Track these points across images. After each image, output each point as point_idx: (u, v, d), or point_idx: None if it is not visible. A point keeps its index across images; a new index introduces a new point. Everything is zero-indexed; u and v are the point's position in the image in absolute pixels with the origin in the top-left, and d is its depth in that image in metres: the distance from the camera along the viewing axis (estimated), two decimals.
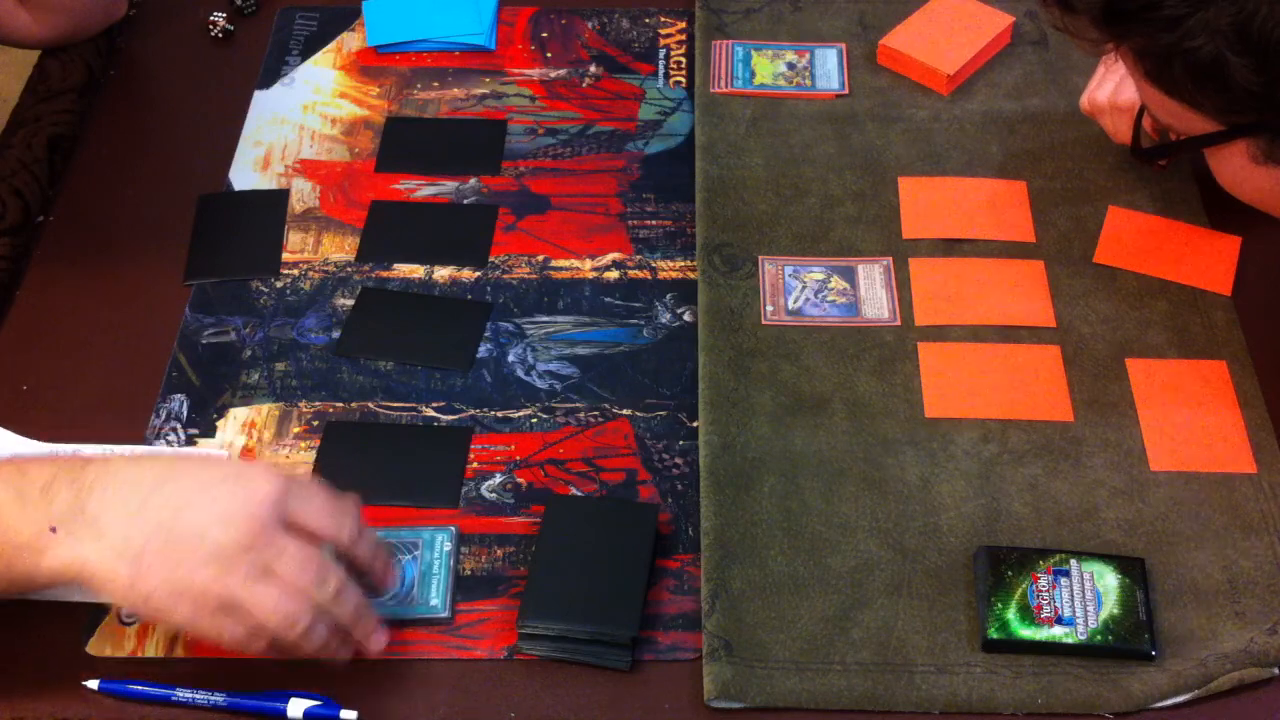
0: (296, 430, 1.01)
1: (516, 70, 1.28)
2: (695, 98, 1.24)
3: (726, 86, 1.25)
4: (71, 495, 0.76)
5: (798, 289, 1.08)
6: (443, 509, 0.96)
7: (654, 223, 1.15)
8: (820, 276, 1.09)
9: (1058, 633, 0.87)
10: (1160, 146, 1.01)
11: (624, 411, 1.02)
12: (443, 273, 1.11)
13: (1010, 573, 0.90)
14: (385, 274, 1.11)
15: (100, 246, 1.14)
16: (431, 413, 1.02)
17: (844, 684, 0.86)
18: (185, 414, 1.02)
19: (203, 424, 1.01)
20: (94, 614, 0.90)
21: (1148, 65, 0.85)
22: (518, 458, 0.99)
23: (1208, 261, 1.09)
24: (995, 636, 0.87)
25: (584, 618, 0.88)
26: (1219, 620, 0.89)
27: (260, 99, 1.25)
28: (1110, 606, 0.88)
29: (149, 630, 0.90)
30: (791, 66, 1.26)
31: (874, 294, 1.08)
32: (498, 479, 0.98)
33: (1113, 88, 1.11)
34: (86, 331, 1.08)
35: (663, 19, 1.33)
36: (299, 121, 1.23)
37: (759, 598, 0.90)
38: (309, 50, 1.30)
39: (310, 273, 1.11)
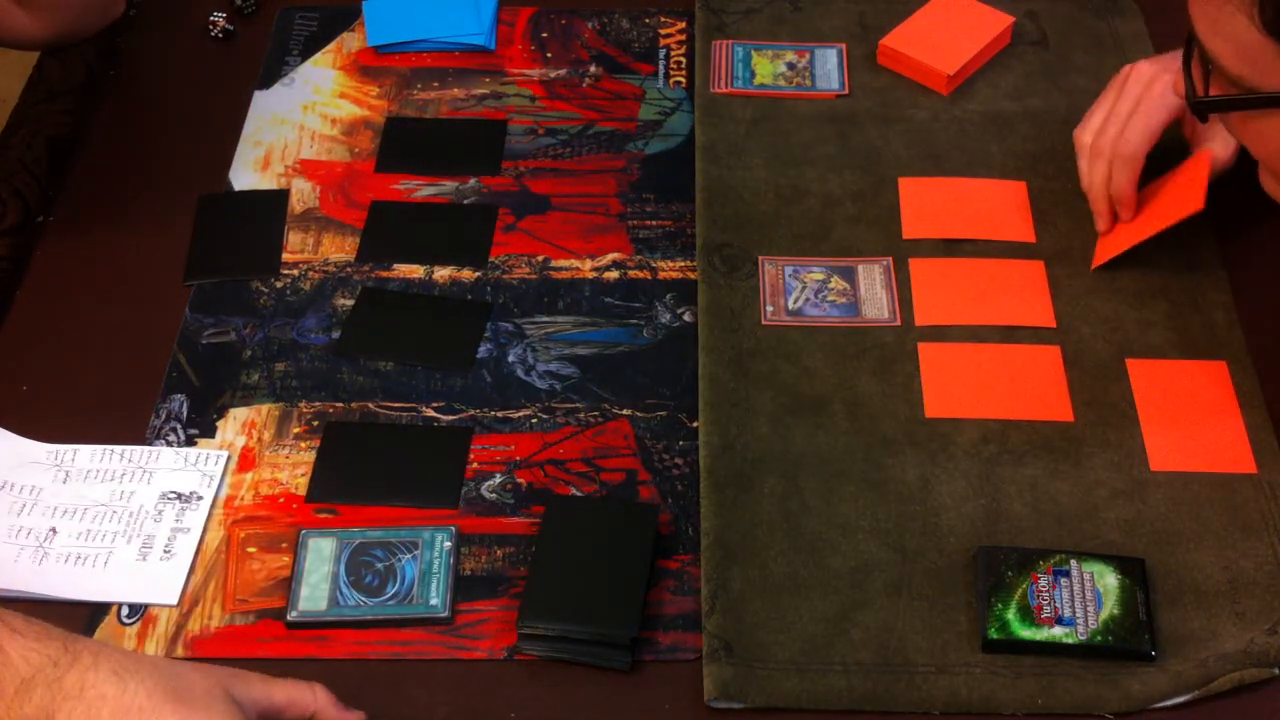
0: (296, 430, 1.01)
1: (516, 70, 1.28)
2: (695, 98, 1.24)
3: (726, 86, 1.25)
4: (46, 700, 0.73)
5: (798, 289, 1.08)
6: (443, 509, 0.96)
7: (654, 223, 1.15)
8: (820, 277, 1.09)
9: (1058, 633, 0.87)
10: (1228, 99, 0.87)
11: (624, 412, 1.02)
12: (443, 273, 1.11)
13: (1010, 573, 0.90)
14: (385, 274, 1.11)
15: (100, 246, 1.14)
16: (431, 413, 1.02)
17: (844, 684, 0.86)
18: (185, 414, 1.02)
19: (203, 424, 1.01)
20: (94, 613, 0.90)
21: (1269, 12, 0.77)
22: (518, 458, 0.99)
23: (1179, 192, 1.05)
24: (995, 637, 0.87)
25: (584, 618, 0.88)
26: (1219, 620, 0.89)
27: (260, 99, 1.25)
28: (1110, 607, 0.88)
29: (149, 630, 0.90)
30: (791, 66, 1.26)
31: (874, 294, 1.08)
32: (498, 479, 0.98)
33: (1116, 133, 1.06)
34: (86, 331, 1.08)
35: (663, 19, 1.33)
36: (299, 121, 1.23)
37: (759, 598, 0.90)
38: (309, 50, 1.30)
39: (310, 273, 1.11)
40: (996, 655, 0.87)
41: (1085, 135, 1.08)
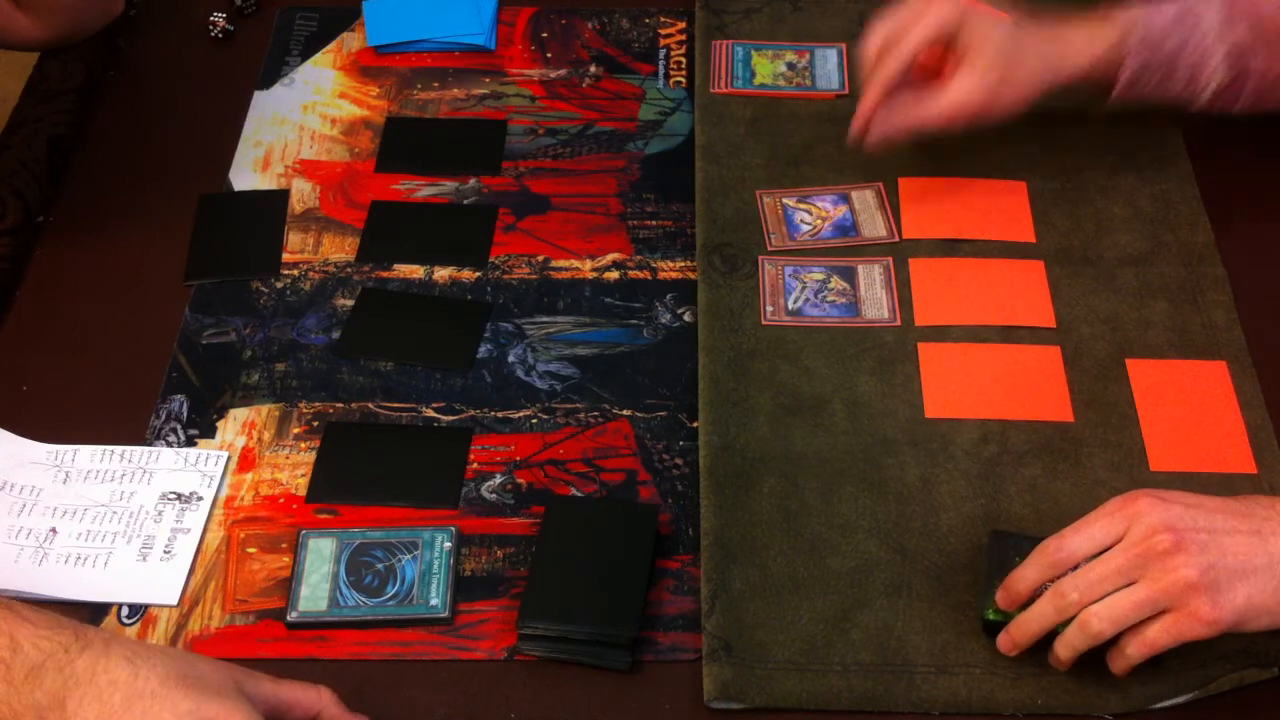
0: (296, 431, 1.01)
1: (516, 70, 1.28)
2: (695, 98, 1.24)
3: (726, 86, 1.25)
4: (58, 685, 0.73)
5: (797, 289, 1.08)
6: (443, 509, 0.96)
7: (654, 223, 1.15)
8: (820, 277, 1.09)
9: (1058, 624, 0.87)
10: None
11: (624, 412, 1.02)
12: (443, 273, 1.11)
13: (1018, 559, 0.88)
14: (385, 274, 1.11)
15: (100, 246, 1.14)
16: (431, 413, 1.02)
17: (844, 684, 0.86)
18: (185, 414, 1.02)
19: (203, 424, 1.01)
20: (94, 614, 0.90)
21: None
22: (518, 458, 0.99)
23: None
24: (993, 618, 0.87)
25: (584, 618, 0.88)
26: None
27: (260, 99, 1.25)
28: None
29: (149, 630, 0.90)
30: (791, 66, 1.26)
31: (874, 294, 1.08)
32: (498, 479, 0.98)
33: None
34: (86, 331, 1.08)
35: (663, 19, 1.33)
36: (299, 121, 1.23)
37: (759, 598, 0.90)
38: (309, 50, 1.30)
39: (310, 273, 1.11)
40: (997, 656, 0.87)
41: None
